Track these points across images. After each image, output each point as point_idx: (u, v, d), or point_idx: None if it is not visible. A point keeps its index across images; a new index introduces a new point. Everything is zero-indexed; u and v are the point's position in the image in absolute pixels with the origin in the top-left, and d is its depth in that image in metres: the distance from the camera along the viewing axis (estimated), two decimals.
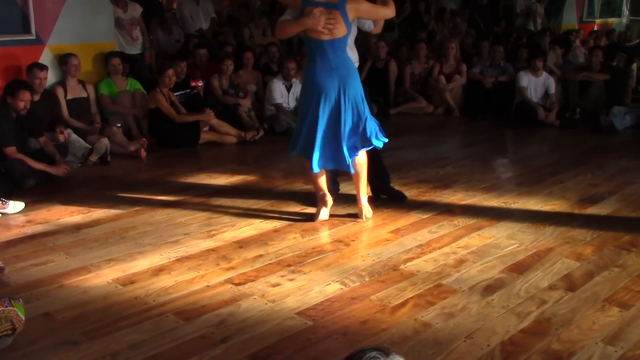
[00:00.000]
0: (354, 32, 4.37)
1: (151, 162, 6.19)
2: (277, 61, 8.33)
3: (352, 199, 4.65)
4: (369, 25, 4.42)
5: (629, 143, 7.51)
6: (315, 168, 4.25)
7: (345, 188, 4.95)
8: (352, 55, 4.37)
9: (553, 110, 8.22)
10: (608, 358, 2.84)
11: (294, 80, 7.52)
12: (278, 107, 7.41)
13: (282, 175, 5.65)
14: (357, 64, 4.47)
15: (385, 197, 4.95)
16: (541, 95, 8.41)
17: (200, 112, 6.78)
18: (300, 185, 5.32)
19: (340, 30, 4.05)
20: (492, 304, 3.32)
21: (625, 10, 16.12)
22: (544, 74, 8.41)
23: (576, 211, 4.85)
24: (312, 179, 4.45)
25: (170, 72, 6.69)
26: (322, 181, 4.44)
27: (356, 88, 4.18)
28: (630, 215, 4.79)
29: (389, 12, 4.24)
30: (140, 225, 4.36)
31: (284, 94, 7.48)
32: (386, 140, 4.35)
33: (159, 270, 3.62)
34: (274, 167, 6.03)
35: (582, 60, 9.93)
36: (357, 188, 4.50)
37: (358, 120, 4.19)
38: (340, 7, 4.01)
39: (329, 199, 4.50)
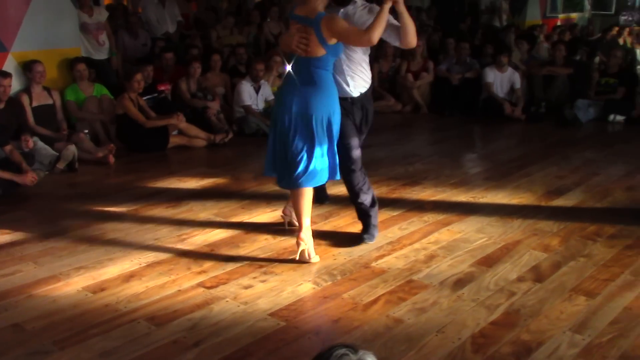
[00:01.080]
0: (365, 51, 3.94)
1: (120, 167, 6.14)
2: (245, 63, 8.31)
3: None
4: (394, 39, 3.80)
5: (593, 135, 7.66)
6: (266, 172, 3.96)
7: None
8: (364, 75, 3.97)
9: (519, 105, 8.35)
10: (575, 346, 2.90)
11: (262, 81, 7.52)
12: (247, 108, 7.39)
13: (252, 177, 5.65)
14: (367, 84, 4.01)
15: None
16: (507, 91, 8.53)
17: (169, 115, 6.74)
18: (270, 187, 5.32)
19: (315, 50, 3.60)
20: (462, 297, 3.37)
21: (587, 5, 16.42)
22: (509, 69, 8.55)
23: (543, 203, 4.94)
24: (293, 202, 3.93)
25: (139, 76, 6.63)
26: (305, 210, 3.83)
27: (320, 111, 3.66)
28: (595, 206, 4.89)
29: (365, 39, 3.57)
30: (110, 231, 4.32)
31: (253, 96, 7.47)
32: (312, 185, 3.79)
33: (129, 277, 3.60)
34: (244, 169, 6.02)
35: (546, 55, 10.08)
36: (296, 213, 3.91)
37: (308, 145, 3.70)
38: (315, 25, 3.56)
39: (304, 235, 3.83)
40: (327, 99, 3.70)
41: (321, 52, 3.62)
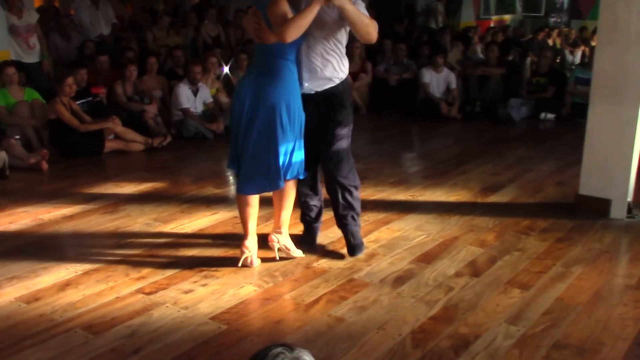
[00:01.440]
0: (343, 39, 3.55)
1: (54, 173, 5.95)
2: (182, 65, 8.20)
3: (267, 203, 4.18)
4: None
5: (526, 133, 7.92)
6: (229, 165, 3.74)
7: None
8: (328, 71, 3.51)
9: (455, 105, 8.55)
10: (511, 337, 2.99)
11: (200, 84, 7.43)
12: (185, 111, 7.30)
13: (191, 180, 5.58)
14: (332, 82, 3.55)
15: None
16: (443, 91, 8.72)
17: (105, 119, 6.59)
18: (210, 190, 5.28)
19: (266, 36, 3.39)
20: (402, 294, 3.42)
21: (518, 7, 16.95)
22: (445, 70, 8.73)
23: (479, 200, 5.07)
24: (239, 209, 3.76)
25: (70, 80, 6.46)
26: (251, 217, 3.70)
27: (274, 102, 3.39)
28: (528, 201, 5.05)
29: (278, 32, 3.27)
30: (44, 239, 4.20)
31: (191, 99, 7.38)
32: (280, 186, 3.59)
33: (65, 285, 3.50)
34: (183, 172, 5.94)
35: (481, 56, 10.35)
36: (276, 216, 3.82)
37: (255, 145, 3.49)
38: (263, 9, 3.36)
39: (249, 243, 3.72)
40: (284, 90, 3.40)
41: (273, 38, 3.36)
